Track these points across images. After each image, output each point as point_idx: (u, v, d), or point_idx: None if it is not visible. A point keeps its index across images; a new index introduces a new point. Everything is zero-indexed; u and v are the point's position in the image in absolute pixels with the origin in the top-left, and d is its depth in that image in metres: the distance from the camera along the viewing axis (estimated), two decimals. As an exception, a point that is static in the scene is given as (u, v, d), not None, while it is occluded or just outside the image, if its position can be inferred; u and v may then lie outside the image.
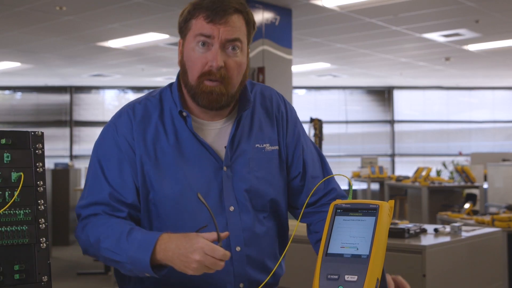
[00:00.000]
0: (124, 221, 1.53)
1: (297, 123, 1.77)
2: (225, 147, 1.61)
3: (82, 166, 11.94)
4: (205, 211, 1.43)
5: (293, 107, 1.79)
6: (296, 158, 1.72)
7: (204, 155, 1.60)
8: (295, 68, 10.17)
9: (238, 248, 1.58)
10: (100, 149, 1.63)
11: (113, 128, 1.62)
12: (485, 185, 8.42)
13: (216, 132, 1.64)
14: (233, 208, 1.59)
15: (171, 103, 1.63)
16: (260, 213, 1.64)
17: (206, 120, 1.64)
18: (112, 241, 1.46)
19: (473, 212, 5.52)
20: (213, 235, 1.38)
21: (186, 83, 1.59)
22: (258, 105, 1.70)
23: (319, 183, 1.70)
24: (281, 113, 1.73)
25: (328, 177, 1.73)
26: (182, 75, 1.61)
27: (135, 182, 1.58)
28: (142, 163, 1.57)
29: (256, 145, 1.65)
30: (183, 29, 1.59)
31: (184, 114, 1.60)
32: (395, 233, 3.04)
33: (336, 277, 1.15)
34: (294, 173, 1.72)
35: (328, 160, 1.84)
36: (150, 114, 1.62)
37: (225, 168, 1.60)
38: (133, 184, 1.58)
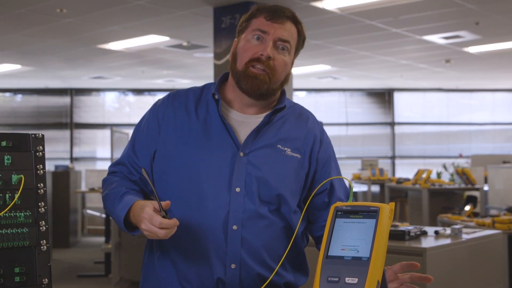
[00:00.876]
0: (126, 183, 1.76)
1: (330, 146, 1.85)
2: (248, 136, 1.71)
3: (83, 168, 11.94)
4: (212, 186, 1.64)
5: (327, 134, 1.88)
6: (325, 175, 1.80)
7: (225, 138, 1.70)
8: (295, 70, 10.18)
9: (234, 227, 1.64)
10: (140, 121, 1.84)
11: (154, 106, 1.82)
12: (486, 187, 8.41)
13: (244, 123, 1.74)
14: (239, 189, 1.66)
15: (211, 92, 1.77)
16: (266, 205, 1.69)
17: (239, 112, 1.76)
18: (111, 200, 1.71)
19: (474, 214, 5.52)
20: (160, 204, 1.54)
21: (234, 70, 1.73)
22: (292, 118, 1.80)
23: (323, 182, 1.75)
24: (314, 131, 1.81)
25: (337, 177, 1.79)
26: (231, 65, 1.75)
27: (151, 155, 1.76)
28: (167, 134, 1.73)
29: (278, 146, 1.73)
30: (242, 27, 1.76)
31: (216, 97, 1.73)
32: (395, 235, 3.04)
33: (337, 279, 1.15)
34: (320, 188, 1.78)
35: (328, 162, 1.85)
36: (188, 99, 1.78)
37: (241, 154, 1.68)
38: (149, 157, 1.76)
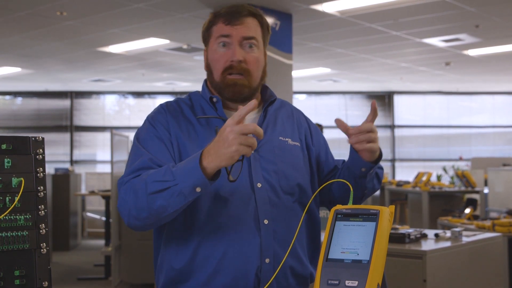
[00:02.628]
0: None
1: (318, 130, 1.94)
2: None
3: (83, 171, 11.95)
4: (236, 186, 1.62)
5: (309, 118, 1.97)
6: (330, 157, 1.90)
7: None
8: (295, 73, 10.19)
9: (266, 221, 1.66)
10: (139, 135, 1.73)
11: (149, 118, 1.75)
12: (486, 190, 8.41)
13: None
14: (260, 185, 1.68)
15: (201, 99, 1.79)
16: (289, 196, 1.72)
17: (234, 111, 1.75)
18: (159, 175, 1.51)
19: (474, 217, 5.52)
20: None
21: (212, 81, 1.76)
22: (280, 111, 1.86)
23: (326, 183, 1.77)
24: (300, 119, 1.90)
25: (338, 180, 1.81)
26: (209, 76, 1.78)
27: (172, 155, 1.67)
28: (177, 139, 1.69)
29: (280, 138, 1.78)
30: (206, 37, 1.78)
31: (215, 99, 1.74)
32: (395, 238, 3.04)
33: (337, 282, 1.15)
34: (330, 167, 1.88)
35: (329, 165, 1.89)
36: (182, 108, 1.77)
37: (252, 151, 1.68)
38: (170, 155, 1.66)
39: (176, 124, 1.71)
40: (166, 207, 1.50)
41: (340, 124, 1.66)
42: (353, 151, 1.71)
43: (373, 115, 1.65)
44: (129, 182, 1.59)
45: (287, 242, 1.67)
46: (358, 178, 1.73)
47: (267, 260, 1.64)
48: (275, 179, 1.70)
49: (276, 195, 1.69)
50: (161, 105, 1.79)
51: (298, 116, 1.90)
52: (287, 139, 1.79)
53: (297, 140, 1.82)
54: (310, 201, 1.73)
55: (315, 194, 1.72)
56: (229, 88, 1.71)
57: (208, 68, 1.77)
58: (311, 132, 1.89)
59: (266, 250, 1.64)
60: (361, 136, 1.64)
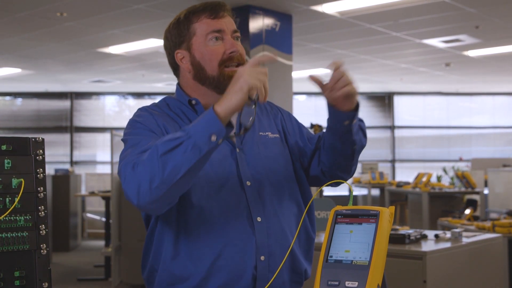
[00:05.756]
0: None
1: (290, 113, 1.94)
2: (234, 133, 1.70)
3: (83, 172, 11.94)
4: (226, 184, 1.63)
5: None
6: (306, 136, 1.86)
7: None
8: (295, 74, 10.18)
9: (259, 219, 1.66)
10: (129, 131, 1.64)
11: (133, 120, 1.68)
12: (486, 191, 8.42)
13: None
14: (249, 183, 1.68)
15: (177, 103, 1.76)
16: (279, 190, 1.72)
17: None
18: (170, 136, 1.46)
19: (474, 218, 5.52)
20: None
21: (205, 78, 1.70)
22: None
23: (328, 183, 1.73)
24: (273, 109, 1.90)
25: (338, 181, 1.76)
26: (198, 74, 1.71)
27: None
28: (166, 131, 1.65)
29: (260, 133, 1.78)
30: (185, 38, 1.73)
31: (194, 102, 1.72)
32: (395, 239, 3.04)
33: (337, 283, 1.15)
34: (312, 146, 1.83)
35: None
36: (163, 110, 1.74)
37: (237, 150, 1.71)
38: None
39: (163, 121, 1.68)
40: (179, 166, 1.41)
41: (314, 79, 1.62)
42: (331, 107, 1.64)
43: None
44: (137, 159, 1.48)
45: (280, 238, 1.68)
46: (343, 134, 1.67)
47: (262, 258, 1.64)
48: (263, 175, 1.70)
49: (265, 191, 1.69)
50: (140, 109, 1.74)
51: (270, 108, 1.90)
52: (267, 133, 1.79)
53: (276, 131, 1.82)
54: (309, 203, 1.72)
55: (315, 194, 1.71)
56: (230, 80, 1.58)
57: (197, 65, 1.71)
58: (284, 119, 1.88)
59: (261, 247, 1.64)
60: (337, 84, 1.59)
